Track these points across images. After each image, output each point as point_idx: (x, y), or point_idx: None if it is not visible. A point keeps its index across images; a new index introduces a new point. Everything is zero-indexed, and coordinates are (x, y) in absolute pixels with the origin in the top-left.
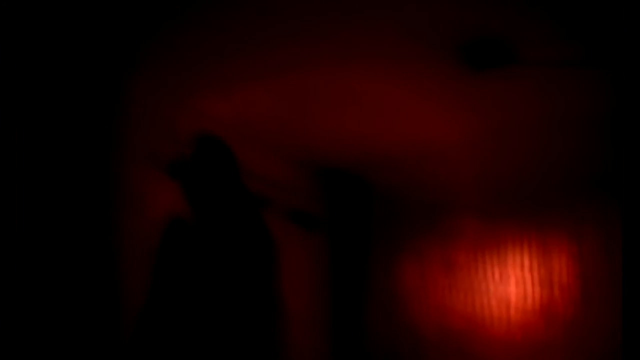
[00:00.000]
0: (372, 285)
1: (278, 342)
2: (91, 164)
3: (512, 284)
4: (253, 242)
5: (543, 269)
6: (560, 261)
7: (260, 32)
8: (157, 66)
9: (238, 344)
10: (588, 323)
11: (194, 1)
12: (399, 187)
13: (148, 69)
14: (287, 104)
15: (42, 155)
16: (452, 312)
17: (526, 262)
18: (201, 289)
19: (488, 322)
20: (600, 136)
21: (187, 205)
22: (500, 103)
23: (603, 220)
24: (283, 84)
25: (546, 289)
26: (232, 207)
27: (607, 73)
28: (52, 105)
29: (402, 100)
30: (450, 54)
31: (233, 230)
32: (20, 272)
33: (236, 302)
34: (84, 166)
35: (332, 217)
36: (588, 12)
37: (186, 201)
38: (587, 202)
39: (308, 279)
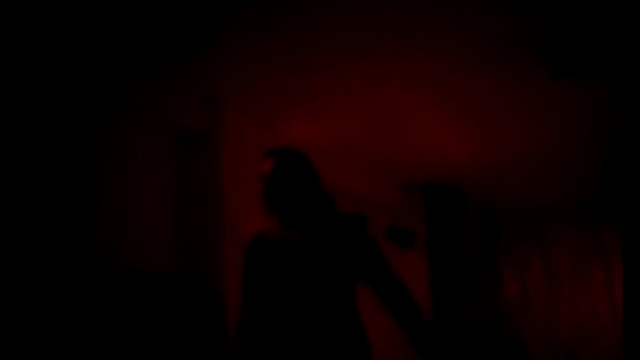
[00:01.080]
0: (474, 297)
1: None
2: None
3: (620, 290)
4: (343, 246)
5: None
6: None
7: (345, 52)
8: (247, 94)
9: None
10: None
11: (283, 31)
12: (495, 196)
13: (238, 98)
14: (376, 123)
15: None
16: (557, 321)
17: None
18: (290, 297)
19: (597, 330)
20: None
21: (272, 217)
22: (586, 109)
23: None
24: (370, 105)
25: None
26: (315, 213)
27: None
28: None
29: (493, 110)
30: (538, 60)
31: (320, 236)
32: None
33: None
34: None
35: (431, 230)
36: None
37: (269, 212)
38: None
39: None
